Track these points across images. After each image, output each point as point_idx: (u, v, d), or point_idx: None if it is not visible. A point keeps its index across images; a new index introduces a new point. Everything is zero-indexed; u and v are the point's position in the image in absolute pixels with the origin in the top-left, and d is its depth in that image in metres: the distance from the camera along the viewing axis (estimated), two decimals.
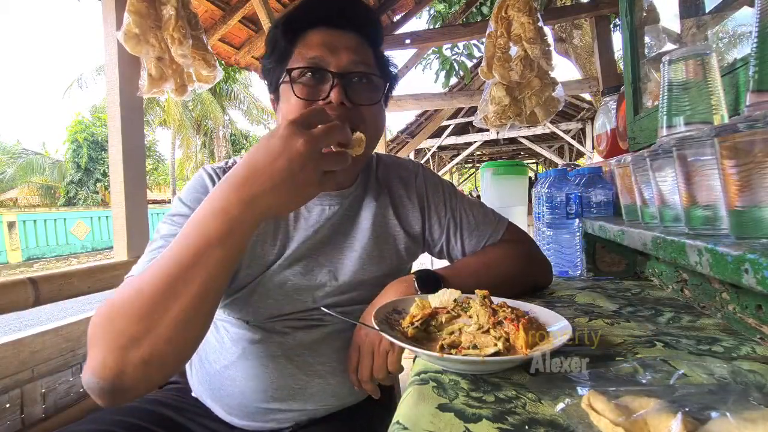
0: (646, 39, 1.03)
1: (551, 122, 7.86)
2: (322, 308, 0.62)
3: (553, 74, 1.95)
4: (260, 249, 0.70)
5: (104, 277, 1.20)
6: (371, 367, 0.64)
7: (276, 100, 0.74)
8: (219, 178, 0.70)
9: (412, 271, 0.74)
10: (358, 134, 0.54)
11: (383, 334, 0.50)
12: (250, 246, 0.69)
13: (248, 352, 0.69)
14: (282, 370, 0.68)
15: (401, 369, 0.65)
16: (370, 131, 0.68)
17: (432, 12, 4.81)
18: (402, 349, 0.60)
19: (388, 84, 0.75)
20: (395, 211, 0.80)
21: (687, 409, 0.30)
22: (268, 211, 0.47)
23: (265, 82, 0.77)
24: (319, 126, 0.47)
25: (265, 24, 2.28)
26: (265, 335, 0.70)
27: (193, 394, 0.77)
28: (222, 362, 0.71)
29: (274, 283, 0.70)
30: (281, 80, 0.70)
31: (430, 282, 0.68)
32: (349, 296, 0.74)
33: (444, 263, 0.81)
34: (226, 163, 0.75)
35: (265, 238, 0.71)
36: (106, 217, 11.53)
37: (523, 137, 9.21)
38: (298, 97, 0.66)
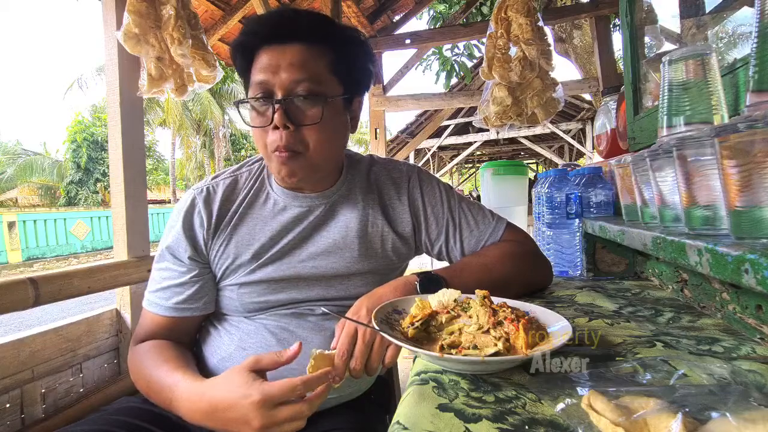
0: (646, 39, 1.03)
1: (551, 122, 7.86)
2: (323, 309, 0.62)
3: (553, 74, 1.95)
4: (237, 249, 0.74)
5: (104, 277, 1.19)
6: (366, 359, 0.58)
7: None
8: (200, 203, 0.76)
9: (410, 272, 0.73)
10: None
11: (383, 335, 0.50)
12: (233, 246, 0.75)
13: (245, 343, 0.72)
14: None
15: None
16: (316, 151, 0.70)
17: (432, 13, 4.81)
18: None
19: (353, 92, 0.75)
20: (384, 211, 0.82)
21: (687, 410, 0.30)
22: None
23: None
24: (286, 413, 0.52)
25: None
26: (259, 325, 0.73)
27: None
28: (220, 354, 0.73)
29: (257, 279, 0.74)
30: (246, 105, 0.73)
31: (431, 283, 0.67)
32: (335, 290, 0.76)
33: (443, 264, 0.81)
34: (212, 178, 0.80)
35: (245, 241, 0.75)
36: (106, 217, 11.48)
37: (523, 137, 9.21)
38: (252, 126, 0.71)
